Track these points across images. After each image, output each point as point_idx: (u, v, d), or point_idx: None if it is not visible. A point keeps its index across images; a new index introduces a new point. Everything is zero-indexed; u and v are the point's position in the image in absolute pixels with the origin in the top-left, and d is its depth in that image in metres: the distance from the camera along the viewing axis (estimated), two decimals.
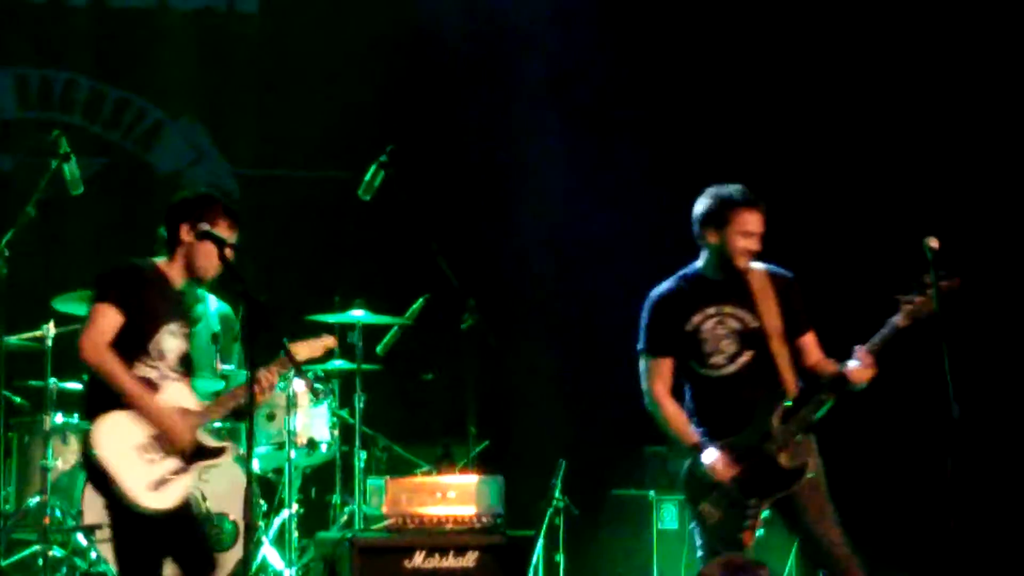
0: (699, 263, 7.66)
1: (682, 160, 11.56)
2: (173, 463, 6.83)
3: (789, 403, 7.45)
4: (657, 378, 7.57)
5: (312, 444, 9.68)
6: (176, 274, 7.02)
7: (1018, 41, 11.23)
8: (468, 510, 8.67)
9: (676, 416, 7.52)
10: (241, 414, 7.13)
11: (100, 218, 10.57)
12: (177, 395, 6.94)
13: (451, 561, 8.47)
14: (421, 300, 9.70)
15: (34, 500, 9.24)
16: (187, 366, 7.07)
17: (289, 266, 11.01)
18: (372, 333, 9.80)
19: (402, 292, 9.86)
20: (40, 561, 9.03)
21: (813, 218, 11.06)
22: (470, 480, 8.83)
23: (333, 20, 11.81)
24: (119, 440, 6.76)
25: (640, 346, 7.66)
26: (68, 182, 9.25)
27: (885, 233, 10.48)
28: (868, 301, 9.35)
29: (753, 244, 7.50)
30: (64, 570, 9.04)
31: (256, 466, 9.40)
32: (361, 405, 9.59)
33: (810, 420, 7.44)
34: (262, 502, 9.61)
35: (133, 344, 6.86)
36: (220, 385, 9.77)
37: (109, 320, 6.80)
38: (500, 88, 11.80)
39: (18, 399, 9.73)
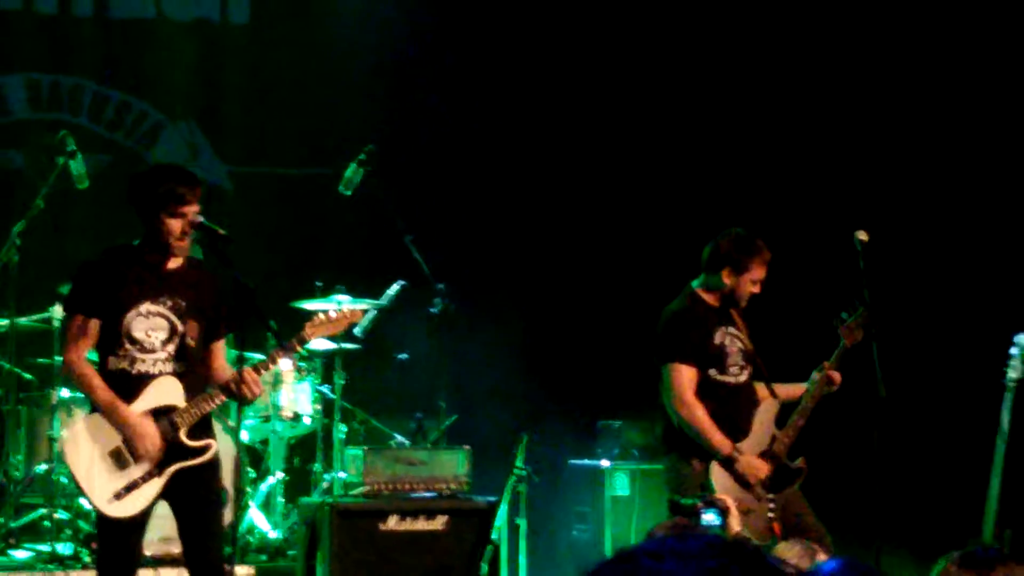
0: (700, 288, 7.89)
1: (646, 160, 11.60)
2: (144, 467, 6.55)
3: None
4: (689, 384, 7.70)
5: (296, 417, 9.68)
6: (157, 253, 6.66)
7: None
8: (438, 478, 8.66)
9: (711, 422, 7.66)
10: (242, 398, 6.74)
11: (103, 210, 10.46)
12: (158, 393, 6.60)
13: (422, 524, 8.49)
14: (397, 286, 9.68)
15: (41, 467, 9.18)
16: (179, 346, 6.65)
17: (276, 255, 10.94)
18: None
19: (379, 279, 9.82)
20: (46, 523, 8.98)
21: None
22: (440, 451, 8.82)
23: (316, 31, 11.78)
24: (89, 447, 6.54)
25: (669, 356, 7.75)
26: (75, 177, 9.22)
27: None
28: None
29: (758, 289, 7.81)
30: (68, 531, 8.97)
31: (245, 437, 9.37)
32: (341, 382, 9.62)
33: (801, 427, 7.79)
34: (250, 470, 9.58)
35: (104, 336, 6.62)
36: None
37: (77, 327, 6.61)
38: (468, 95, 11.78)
39: (27, 375, 9.65)
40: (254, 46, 11.90)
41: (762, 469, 7.62)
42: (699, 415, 7.62)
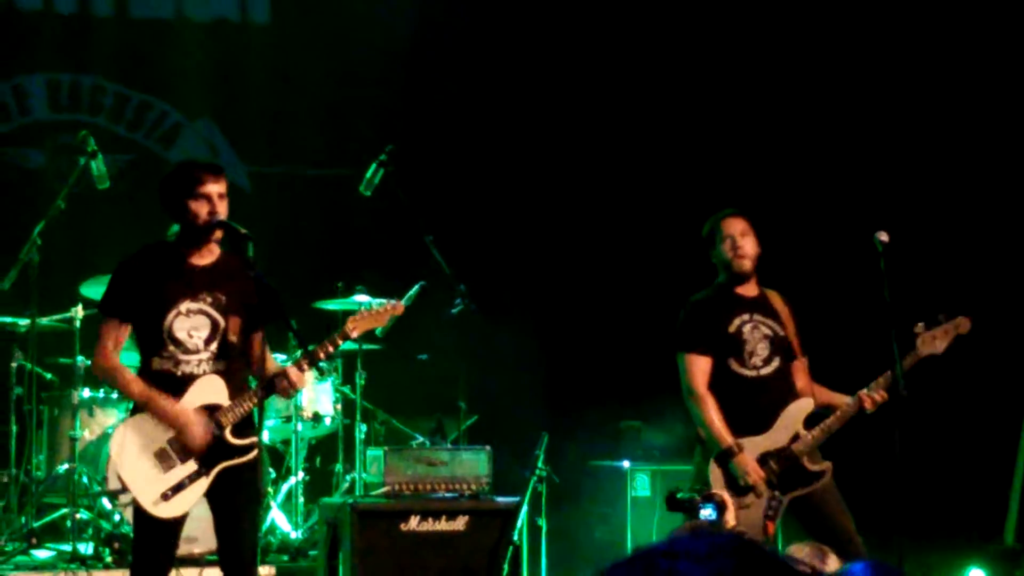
0: (722, 280, 7.71)
1: (669, 160, 11.63)
2: (191, 467, 6.51)
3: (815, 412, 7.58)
4: (700, 375, 7.55)
5: (317, 417, 9.70)
6: (189, 249, 6.59)
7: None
8: (459, 478, 8.67)
9: (717, 415, 7.49)
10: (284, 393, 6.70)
11: (124, 210, 10.53)
12: (202, 392, 6.54)
13: (443, 525, 8.43)
14: (417, 287, 9.67)
15: (63, 467, 9.22)
16: (221, 343, 6.56)
17: (296, 256, 10.98)
18: None
19: (400, 279, 9.84)
20: (68, 523, 9.01)
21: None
22: (461, 451, 8.85)
23: (337, 31, 11.81)
24: (137, 446, 6.49)
25: (682, 345, 7.62)
26: (95, 177, 9.19)
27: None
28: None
29: (742, 244, 7.57)
30: (90, 531, 9.00)
31: (266, 437, 9.40)
32: (362, 382, 9.58)
33: (833, 431, 7.52)
34: (271, 470, 9.59)
35: (147, 337, 6.57)
36: None
37: (110, 330, 6.57)
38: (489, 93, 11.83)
39: (49, 375, 9.71)
40: (274, 46, 11.93)
41: (754, 474, 7.38)
42: (706, 406, 7.46)
